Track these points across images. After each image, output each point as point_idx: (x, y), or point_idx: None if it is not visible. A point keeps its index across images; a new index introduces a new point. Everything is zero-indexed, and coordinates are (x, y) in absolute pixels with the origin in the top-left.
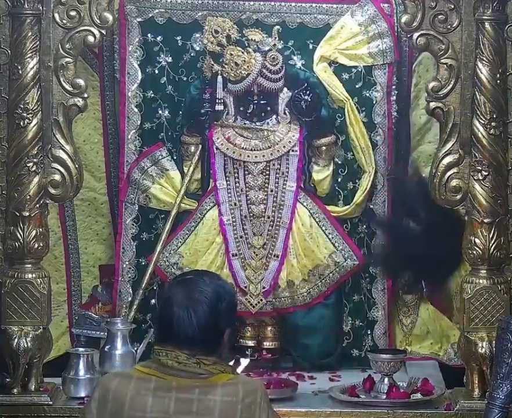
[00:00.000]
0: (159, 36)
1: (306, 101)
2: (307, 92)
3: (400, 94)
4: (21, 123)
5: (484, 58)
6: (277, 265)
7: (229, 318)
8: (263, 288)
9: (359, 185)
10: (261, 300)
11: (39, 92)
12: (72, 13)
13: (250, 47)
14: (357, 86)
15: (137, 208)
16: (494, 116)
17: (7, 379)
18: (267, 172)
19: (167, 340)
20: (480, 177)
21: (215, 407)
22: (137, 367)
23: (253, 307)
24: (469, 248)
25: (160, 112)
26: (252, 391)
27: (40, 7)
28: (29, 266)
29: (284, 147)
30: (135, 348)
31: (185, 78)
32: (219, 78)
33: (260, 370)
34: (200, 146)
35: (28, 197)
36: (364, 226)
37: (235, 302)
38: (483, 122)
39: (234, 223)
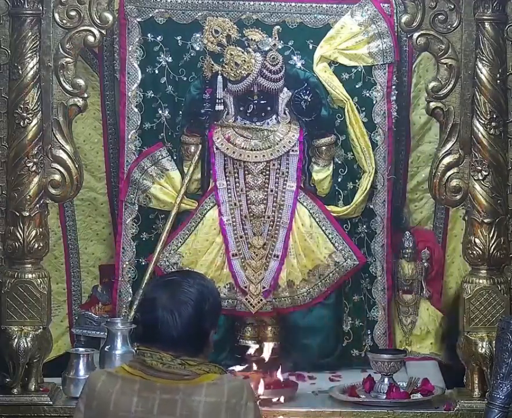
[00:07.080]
0: (159, 36)
1: (306, 101)
2: (307, 92)
3: (400, 94)
4: (21, 123)
5: (484, 58)
6: (277, 265)
7: (214, 318)
8: (263, 288)
9: (359, 185)
10: (261, 300)
11: (39, 92)
12: (72, 13)
13: (250, 47)
14: (357, 86)
15: (137, 208)
16: (494, 116)
17: (7, 379)
18: (267, 172)
19: (152, 341)
20: (480, 177)
21: (198, 408)
22: (123, 366)
23: (253, 307)
24: (469, 248)
25: (160, 112)
26: (237, 391)
27: (40, 7)
28: (29, 266)
29: (284, 147)
30: (135, 348)
31: (185, 78)
32: (219, 78)
33: (260, 370)
34: (200, 146)
35: (28, 197)
36: (364, 226)
37: (220, 302)
38: (483, 122)
39: (234, 223)
